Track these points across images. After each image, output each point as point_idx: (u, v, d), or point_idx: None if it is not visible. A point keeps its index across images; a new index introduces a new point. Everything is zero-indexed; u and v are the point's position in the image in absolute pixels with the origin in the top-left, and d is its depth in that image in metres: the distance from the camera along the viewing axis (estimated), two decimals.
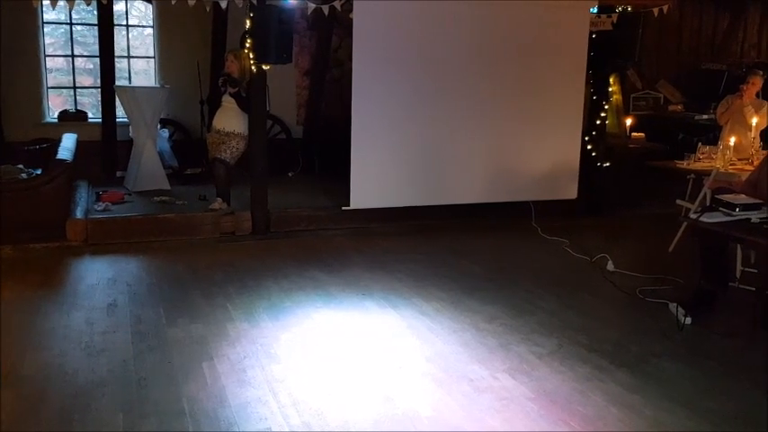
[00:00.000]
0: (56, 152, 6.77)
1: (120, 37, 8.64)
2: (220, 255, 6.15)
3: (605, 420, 3.35)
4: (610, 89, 8.23)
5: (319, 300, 4.99)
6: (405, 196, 6.99)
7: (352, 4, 6.44)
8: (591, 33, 7.38)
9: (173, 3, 6.18)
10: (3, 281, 5.17)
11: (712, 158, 6.37)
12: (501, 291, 5.25)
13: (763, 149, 6.48)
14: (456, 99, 7.00)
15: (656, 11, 7.44)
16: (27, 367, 3.80)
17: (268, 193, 6.83)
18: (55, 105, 8.71)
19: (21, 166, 6.91)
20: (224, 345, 4.14)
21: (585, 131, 7.69)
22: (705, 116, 9.46)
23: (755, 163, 5.88)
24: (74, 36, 8.68)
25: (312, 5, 6.53)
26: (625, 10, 7.44)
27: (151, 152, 7.81)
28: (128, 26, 8.83)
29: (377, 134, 6.76)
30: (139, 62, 9.04)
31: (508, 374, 3.82)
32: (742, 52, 11.10)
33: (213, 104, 7.57)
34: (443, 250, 6.40)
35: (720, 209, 4.64)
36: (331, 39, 9.11)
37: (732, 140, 6.43)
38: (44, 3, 7.66)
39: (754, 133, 6.59)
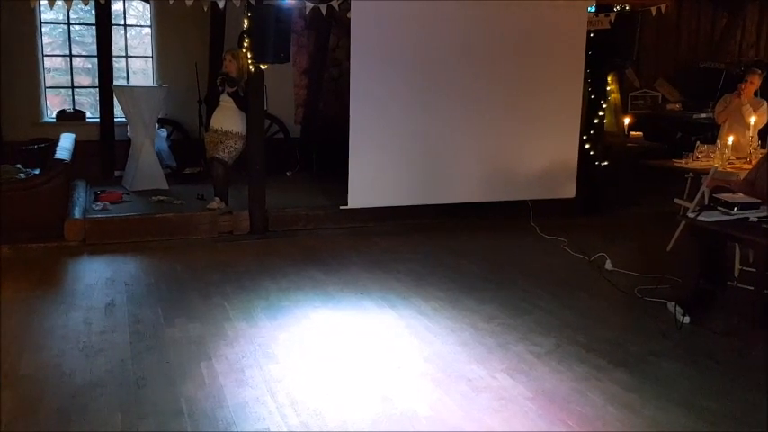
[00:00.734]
0: (54, 152, 6.77)
1: (117, 36, 8.64)
2: (218, 254, 6.15)
3: (603, 420, 3.35)
4: (608, 88, 8.23)
5: (317, 299, 4.99)
6: (403, 195, 6.99)
7: (349, 4, 6.44)
8: (589, 33, 7.38)
9: (171, 2, 6.18)
10: (1, 281, 5.16)
11: (710, 157, 6.37)
12: (499, 290, 5.26)
13: (761, 148, 6.50)
14: (454, 98, 7.00)
15: (654, 10, 7.43)
16: (25, 367, 3.80)
17: (266, 193, 6.82)
18: (53, 105, 8.70)
19: (19, 165, 6.91)
20: (222, 345, 4.14)
21: (584, 131, 7.68)
22: (703, 115, 9.47)
23: (753, 162, 5.88)
24: (72, 36, 8.67)
25: (310, 5, 6.52)
26: (623, 9, 7.44)
27: (149, 152, 7.81)
28: (126, 26, 8.82)
29: (375, 133, 6.76)
30: (137, 62, 9.04)
31: (506, 374, 3.82)
32: (740, 51, 11.12)
33: (211, 104, 7.56)
34: (441, 250, 6.40)
35: (719, 208, 4.64)
36: (329, 38, 9.11)
37: (730, 139, 6.43)
38: (42, 2, 7.69)
39: (752, 132, 6.60)
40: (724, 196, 4.71)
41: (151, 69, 8.95)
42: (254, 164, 6.80)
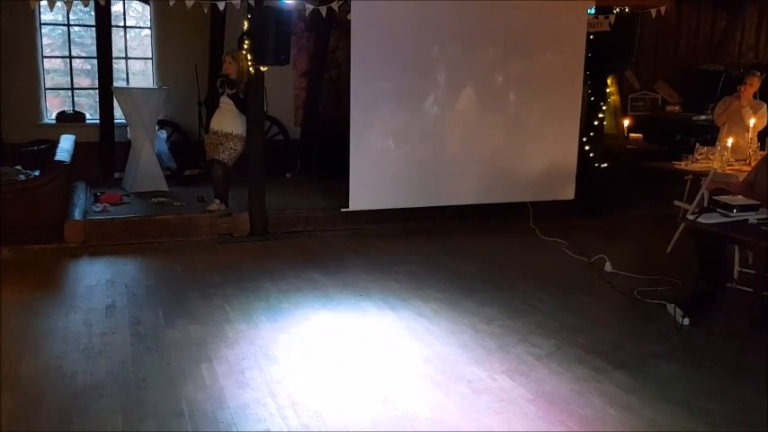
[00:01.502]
0: (54, 153, 6.77)
1: (117, 38, 8.64)
2: (218, 256, 6.15)
3: (603, 421, 3.36)
4: (607, 90, 8.23)
5: (317, 301, 4.99)
6: (403, 197, 6.99)
7: (349, 6, 6.44)
8: (588, 34, 7.38)
9: (170, 4, 6.18)
10: (1, 283, 5.16)
11: (710, 159, 6.38)
12: (499, 292, 5.26)
13: (760, 150, 6.51)
14: (454, 100, 7.02)
15: (653, 12, 7.44)
16: (25, 369, 3.80)
17: (266, 195, 6.82)
18: (53, 106, 8.70)
19: (19, 167, 6.90)
20: (222, 346, 4.14)
21: (583, 132, 7.69)
22: (703, 117, 9.47)
23: (753, 164, 5.89)
24: (71, 37, 8.67)
25: (310, 7, 6.53)
26: (623, 11, 7.45)
27: (149, 153, 7.80)
28: (125, 27, 8.82)
29: (375, 135, 6.77)
30: (137, 63, 9.04)
31: (506, 376, 3.83)
32: (740, 53, 11.12)
33: (211, 106, 7.56)
34: (441, 252, 6.40)
35: (718, 210, 4.65)
36: (329, 40, 9.10)
37: (730, 141, 6.44)
38: (42, 4, 7.69)
39: (751, 134, 6.61)
40: (723, 198, 4.73)
41: (151, 71, 8.95)
42: (253, 166, 6.80)
